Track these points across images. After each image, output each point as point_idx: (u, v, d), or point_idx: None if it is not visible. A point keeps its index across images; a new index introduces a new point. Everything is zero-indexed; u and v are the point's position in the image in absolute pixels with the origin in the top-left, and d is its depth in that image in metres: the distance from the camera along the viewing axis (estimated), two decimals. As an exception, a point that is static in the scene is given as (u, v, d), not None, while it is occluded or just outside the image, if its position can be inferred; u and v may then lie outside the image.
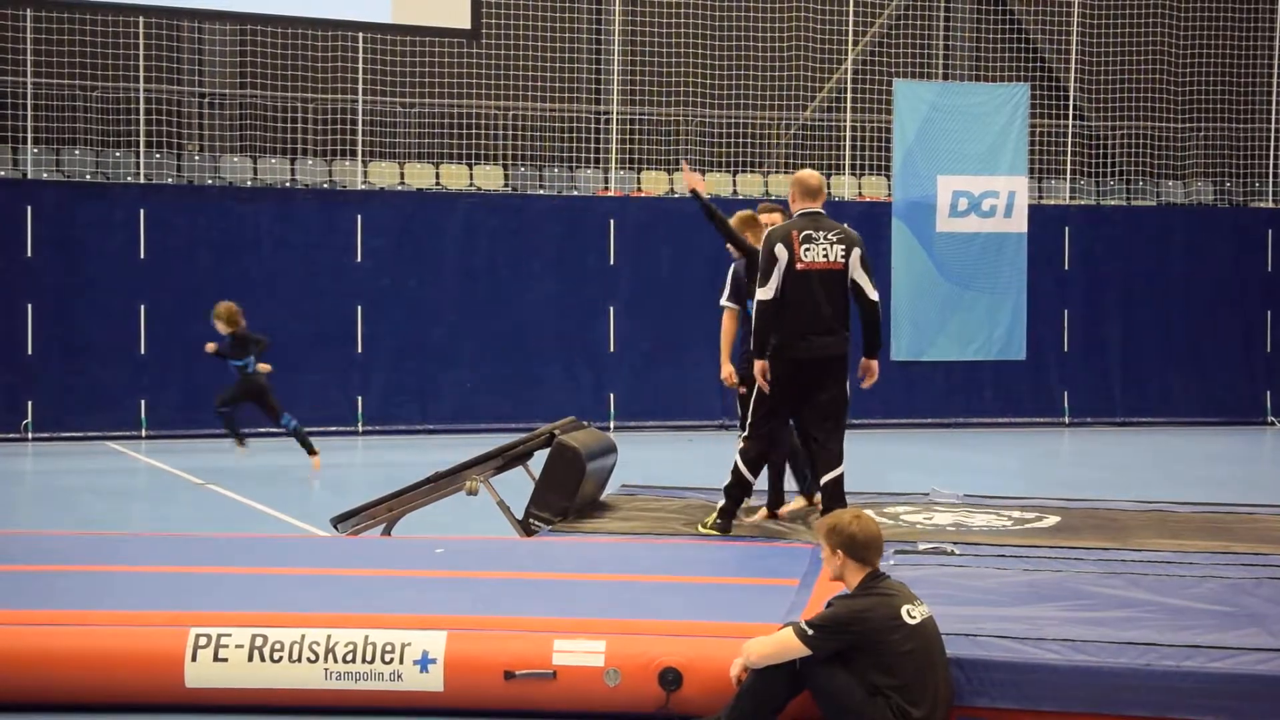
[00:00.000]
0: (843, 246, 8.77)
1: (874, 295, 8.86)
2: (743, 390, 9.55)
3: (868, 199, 21.38)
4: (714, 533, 9.02)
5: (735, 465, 9.00)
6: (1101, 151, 22.67)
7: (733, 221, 9.63)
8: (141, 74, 19.20)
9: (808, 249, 8.70)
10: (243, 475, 14.62)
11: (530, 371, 19.66)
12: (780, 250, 8.69)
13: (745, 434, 9.03)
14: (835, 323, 8.77)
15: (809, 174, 9.02)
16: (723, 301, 9.84)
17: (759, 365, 8.79)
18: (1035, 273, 19.76)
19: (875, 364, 9.05)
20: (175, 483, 14.66)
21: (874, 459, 10.34)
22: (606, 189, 20.98)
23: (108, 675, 6.34)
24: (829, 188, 21.76)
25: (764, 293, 8.70)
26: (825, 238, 8.74)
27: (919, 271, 18.54)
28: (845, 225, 9.01)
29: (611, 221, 20.03)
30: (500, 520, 9.56)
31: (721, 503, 9.09)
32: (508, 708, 6.30)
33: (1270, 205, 22.23)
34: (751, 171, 21.59)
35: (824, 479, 8.86)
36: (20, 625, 6.52)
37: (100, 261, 18.41)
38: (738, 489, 9.02)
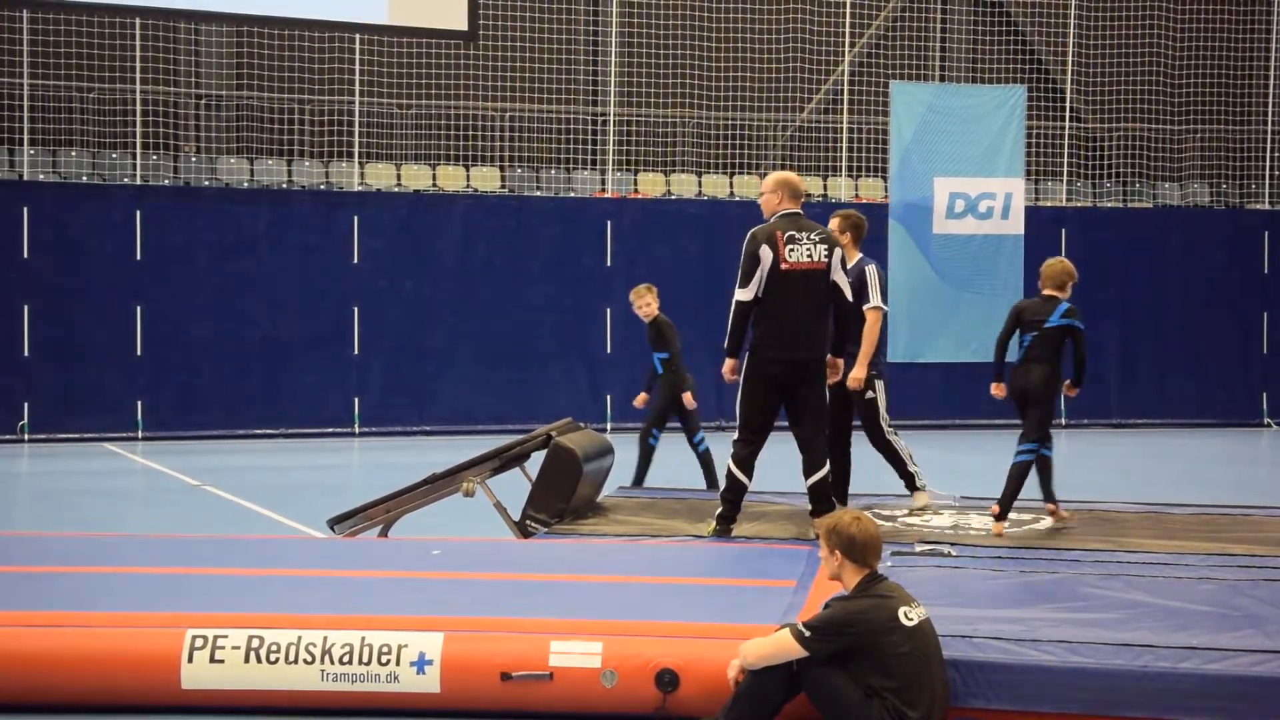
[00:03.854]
0: (825, 246, 8.82)
1: (850, 296, 8.94)
2: (870, 395, 9.73)
3: (864, 201, 21.37)
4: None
5: (728, 469, 9.01)
6: (1098, 153, 22.68)
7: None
8: (137, 75, 19.19)
9: (792, 249, 8.74)
10: (239, 476, 14.60)
11: (527, 373, 19.65)
12: (765, 251, 8.73)
13: (736, 436, 9.05)
14: (817, 323, 8.82)
15: (794, 176, 9.08)
16: (876, 303, 9.60)
17: (728, 364, 8.92)
18: (1032, 274, 19.66)
19: (841, 362, 9.11)
20: (171, 484, 14.64)
21: (871, 460, 10.33)
22: (603, 191, 20.96)
23: (104, 676, 6.34)
24: (825, 189, 21.79)
25: (743, 294, 8.75)
26: (808, 238, 8.79)
27: (916, 273, 18.48)
28: (823, 226, 9.07)
29: (608, 223, 20.02)
30: (497, 522, 9.56)
31: (720, 509, 9.09)
32: (504, 709, 6.30)
33: (1266, 207, 22.24)
34: (748, 173, 21.57)
35: (810, 481, 8.94)
36: (17, 626, 6.51)
37: (97, 263, 18.40)
38: (731, 492, 9.02)
